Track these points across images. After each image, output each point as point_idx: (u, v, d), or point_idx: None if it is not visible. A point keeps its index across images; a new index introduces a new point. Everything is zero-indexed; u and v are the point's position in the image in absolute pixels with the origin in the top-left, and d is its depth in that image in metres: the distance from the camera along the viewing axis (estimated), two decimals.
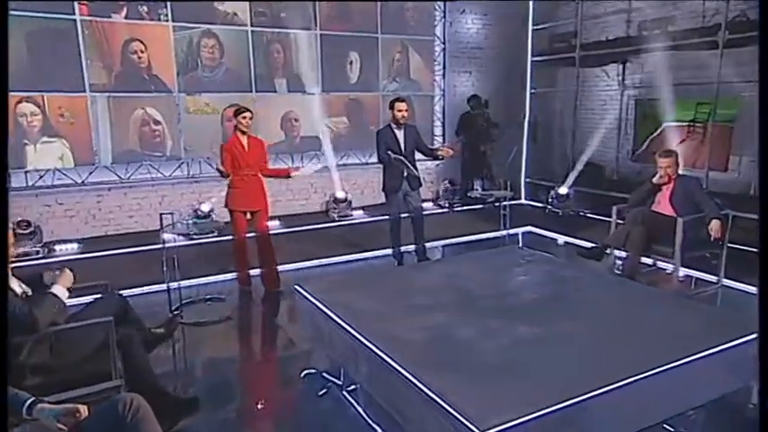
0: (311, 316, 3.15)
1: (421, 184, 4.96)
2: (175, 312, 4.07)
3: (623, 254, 4.17)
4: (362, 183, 7.65)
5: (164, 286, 4.08)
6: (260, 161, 4.39)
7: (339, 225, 6.67)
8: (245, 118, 4.27)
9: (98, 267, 5.00)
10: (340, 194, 7.13)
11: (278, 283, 4.50)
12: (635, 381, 2.13)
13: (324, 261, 5.28)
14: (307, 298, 3.21)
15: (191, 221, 4.05)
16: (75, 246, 5.81)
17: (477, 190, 5.57)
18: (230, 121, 6.63)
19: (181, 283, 4.19)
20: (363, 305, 2.93)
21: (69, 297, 2.44)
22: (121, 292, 4.23)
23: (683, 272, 4.08)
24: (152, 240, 5.31)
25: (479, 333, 2.62)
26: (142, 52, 6.14)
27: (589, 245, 4.49)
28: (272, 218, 6.44)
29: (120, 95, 6.11)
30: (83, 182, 6.08)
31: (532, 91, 8.31)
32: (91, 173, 6.10)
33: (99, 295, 2.72)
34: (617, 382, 2.11)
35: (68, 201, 6.03)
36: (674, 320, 2.74)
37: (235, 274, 4.69)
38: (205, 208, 6.27)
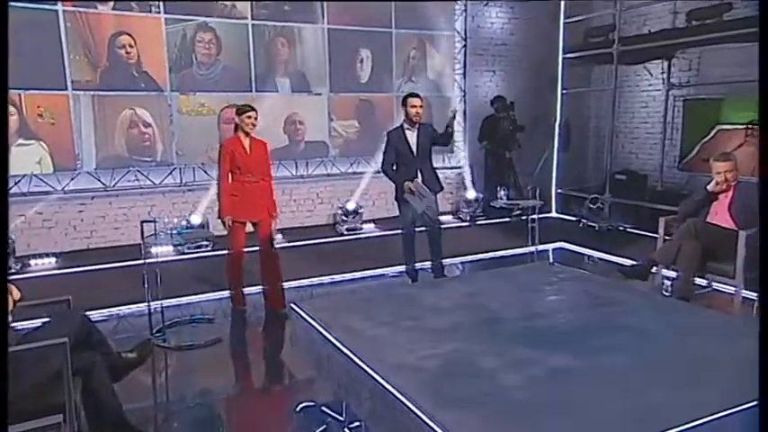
0: (309, 340, 3.00)
1: (442, 188, 4.82)
2: (158, 334, 3.93)
3: (673, 273, 3.97)
4: (374, 193, 7.58)
5: (146, 305, 3.95)
6: (262, 166, 4.27)
7: (348, 239, 6.60)
8: (249, 117, 4.16)
9: (76, 284, 4.93)
10: (350, 206, 7.05)
11: (284, 302, 4.35)
12: (701, 424, 1.86)
13: (329, 279, 5.21)
14: (304, 319, 3.03)
15: (175, 232, 3.88)
16: (52, 260, 5.74)
17: (501, 199, 5.34)
18: (228, 123, 6.62)
19: (164, 302, 4.08)
20: (368, 327, 2.75)
21: (25, 318, 2.28)
22: (100, 311, 4.33)
23: (744, 293, 3.80)
24: (139, 255, 5.24)
25: (504, 363, 2.39)
26: (131, 47, 6.11)
27: (631, 262, 4.33)
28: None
29: (106, 94, 6.08)
30: (63, 189, 6.03)
31: (564, 91, 8.16)
32: (72, 179, 6.05)
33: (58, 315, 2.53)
34: (677, 426, 1.85)
35: (47, 210, 5.96)
36: (741, 350, 2.46)
37: (227, 292, 4.56)
38: (195, 220, 6.21)
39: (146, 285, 3.85)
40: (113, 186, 6.23)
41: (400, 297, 3.38)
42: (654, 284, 4.05)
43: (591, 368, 2.30)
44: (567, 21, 8.07)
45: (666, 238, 4.15)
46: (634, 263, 4.18)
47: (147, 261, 3.92)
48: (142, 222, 3.79)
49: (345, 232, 6.84)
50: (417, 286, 4.22)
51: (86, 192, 6.14)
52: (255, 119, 4.20)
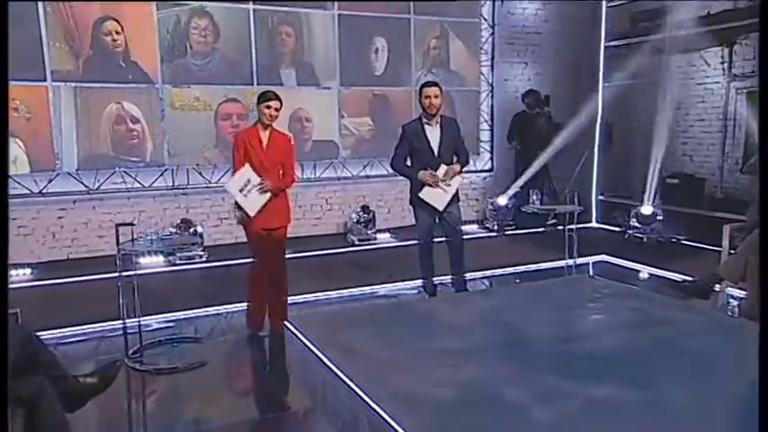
0: (303, 362, 2.84)
1: (458, 199, 4.68)
2: (134, 356, 3.80)
3: (740, 291, 3.89)
4: (390, 199, 7.49)
5: (133, 322, 3.88)
6: (283, 164, 4.10)
7: (360, 250, 6.57)
8: (269, 107, 3.99)
9: (51, 299, 4.87)
10: (362, 213, 7.00)
11: (285, 317, 4.10)
12: None
13: (337, 294, 5.12)
14: (297, 337, 2.88)
15: (155, 237, 3.74)
16: (27, 272, 5.67)
17: (533, 204, 5.13)
18: (225, 119, 6.54)
19: (149, 319, 4.03)
20: (373, 348, 2.63)
21: None
22: (74, 329, 4.24)
23: None
24: (127, 266, 5.29)
25: (534, 394, 2.20)
26: (117, 33, 6.08)
27: (687, 278, 4.16)
28: None
29: (90, 86, 6.04)
30: (41, 192, 5.98)
31: (606, 84, 8.04)
32: (51, 180, 6.00)
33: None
34: None
35: (22, 215, 5.93)
36: None
37: (222, 308, 4.45)
38: (191, 227, 6.16)
39: (121, 300, 3.74)
40: (97, 189, 6.18)
41: (412, 313, 3.22)
42: (717, 304, 3.96)
43: (642, 402, 2.10)
44: (611, 4, 7.97)
45: (731, 251, 3.96)
46: (693, 279, 4.03)
47: (135, 273, 3.83)
48: (117, 226, 3.66)
49: (357, 242, 6.78)
50: (434, 301, 4.05)
51: (67, 195, 6.09)
52: (277, 109, 4.04)
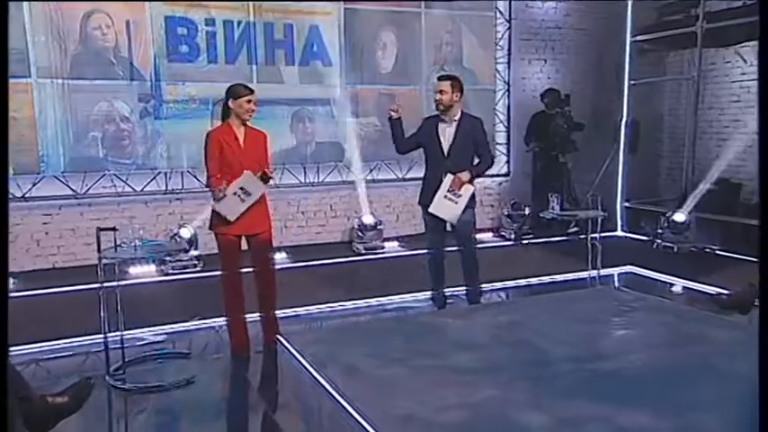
0: (297, 381, 2.77)
1: (474, 203, 4.56)
2: (116, 373, 3.71)
3: None
4: (398, 205, 7.42)
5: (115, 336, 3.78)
6: (260, 164, 4.00)
7: (366, 260, 6.54)
8: (249, 102, 3.91)
9: (31, 312, 4.76)
10: (368, 220, 6.90)
11: (277, 331, 4.05)
12: None
13: (340, 307, 5.07)
14: (291, 354, 2.81)
15: (139, 244, 3.64)
16: (9, 282, 5.54)
17: (553, 209, 5.02)
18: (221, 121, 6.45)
19: (128, 332, 3.91)
20: (373, 366, 2.59)
21: None
22: (52, 343, 4.15)
23: None
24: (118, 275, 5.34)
25: (554, 420, 2.10)
26: (108, 27, 6.03)
27: (722, 291, 4.13)
28: (276, 249, 6.35)
29: (78, 83, 5.99)
30: (24, 196, 5.92)
31: (632, 82, 7.91)
32: (35, 184, 5.94)
33: None
34: None
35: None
36: None
37: (213, 322, 4.35)
38: (185, 234, 6.05)
39: (102, 313, 3.64)
40: (85, 193, 6.12)
41: (419, 328, 3.13)
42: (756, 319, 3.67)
43: (676, 430, 1.95)
44: None
45: None
46: (729, 292, 3.95)
47: (117, 283, 3.73)
48: (99, 231, 3.56)
49: (363, 251, 6.73)
50: (443, 314, 3.94)
51: (52, 199, 6.03)
52: (256, 103, 3.96)
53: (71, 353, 4.19)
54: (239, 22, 6.51)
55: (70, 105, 5.95)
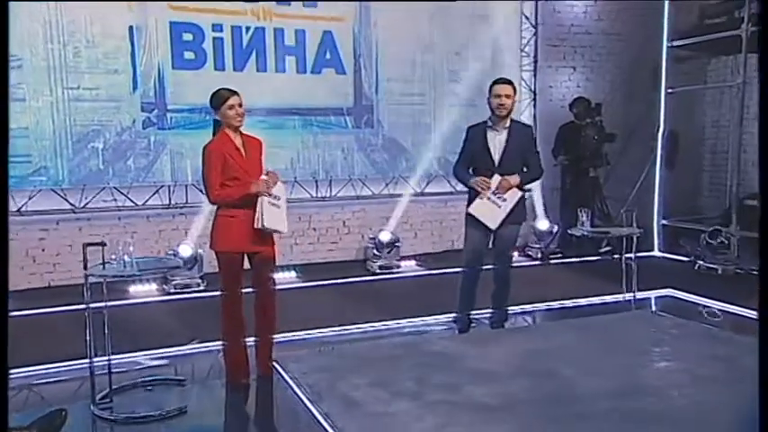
0: (292, 414, 2.59)
1: (525, 218, 4.48)
2: (102, 401, 3.53)
3: None
4: (416, 222, 7.34)
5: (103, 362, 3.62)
6: (261, 171, 3.85)
7: (381, 279, 6.48)
8: (232, 108, 3.71)
9: (20, 333, 4.52)
10: (384, 237, 6.80)
11: (271, 356, 3.90)
12: None
13: (348, 329, 4.93)
14: (287, 383, 2.62)
15: (132, 260, 3.47)
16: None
17: (582, 225, 4.82)
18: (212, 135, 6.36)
19: (118, 357, 3.76)
20: (377, 399, 2.43)
21: None
22: (37, 368, 3.99)
23: None
24: (113, 295, 5.24)
25: None
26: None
27: None
28: (285, 267, 6.46)
29: (77, 91, 5.96)
30: (19, 210, 5.87)
31: (669, 91, 7.75)
32: (31, 198, 5.91)
33: None
34: None
35: None
36: None
37: (217, 348, 4.13)
38: (185, 252, 5.94)
39: (88, 336, 3.47)
40: (84, 207, 6.08)
41: (432, 355, 2.92)
42: None
43: None
44: None
45: None
46: None
47: (105, 303, 3.58)
48: (85, 246, 3.41)
49: (378, 270, 6.68)
50: (461, 340, 3.70)
51: (49, 214, 6.00)
52: (240, 105, 3.74)
53: (57, 379, 4.03)
54: (248, 28, 6.45)
55: (69, 115, 5.91)
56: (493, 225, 4.18)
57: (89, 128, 5.98)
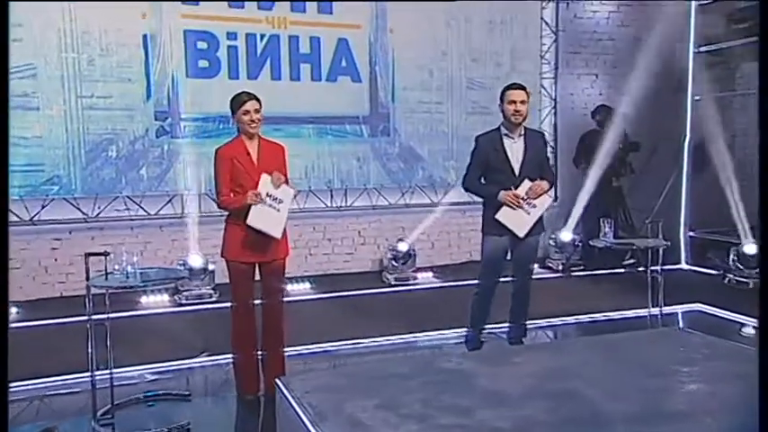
0: None
1: (544, 229, 4.36)
2: (103, 417, 3.44)
3: None
4: (434, 232, 7.24)
5: (105, 375, 3.54)
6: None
7: (397, 291, 6.45)
8: (247, 113, 3.64)
9: (29, 344, 4.63)
10: (401, 247, 6.78)
11: (282, 372, 3.82)
12: None
13: (359, 343, 4.86)
14: (288, 402, 2.48)
15: (135, 271, 3.40)
16: (13, 311, 5.50)
17: (605, 236, 4.70)
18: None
19: (123, 370, 3.79)
20: (383, 422, 2.20)
21: None
22: (44, 380, 3.92)
23: None
24: (124, 306, 5.24)
25: None
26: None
27: None
28: (300, 278, 6.47)
29: (91, 100, 5.97)
30: (32, 219, 5.89)
31: (696, 98, 7.62)
32: (44, 207, 5.91)
33: None
34: None
35: (11, 246, 5.70)
36: None
37: (227, 360, 4.06)
38: (195, 262, 5.89)
39: (90, 349, 3.40)
40: (96, 217, 6.07)
41: (445, 373, 2.76)
42: None
43: None
44: (702, 2, 7.57)
45: None
46: None
47: (107, 315, 3.47)
48: (87, 256, 3.35)
49: (394, 282, 6.62)
50: (475, 357, 3.54)
51: (62, 223, 5.99)
52: (258, 110, 3.67)
53: (59, 392, 3.95)
54: (263, 36, 6.42)
55: (82, 123, 5.91)
56: (521, 233, 4.05)
57: (102, 137, 5.98)
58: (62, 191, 5.91)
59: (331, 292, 6.14)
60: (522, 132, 4.10)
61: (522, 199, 3.99)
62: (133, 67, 6.01)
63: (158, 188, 6.21)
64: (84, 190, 5.98)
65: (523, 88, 4.10)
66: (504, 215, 4.02)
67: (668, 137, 7.68)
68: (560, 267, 7.16)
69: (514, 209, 3.99)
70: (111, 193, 6.07)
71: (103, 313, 3.45)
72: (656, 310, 4.83)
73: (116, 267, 3.44)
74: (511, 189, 4.01)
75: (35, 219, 5.86)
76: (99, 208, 6.05)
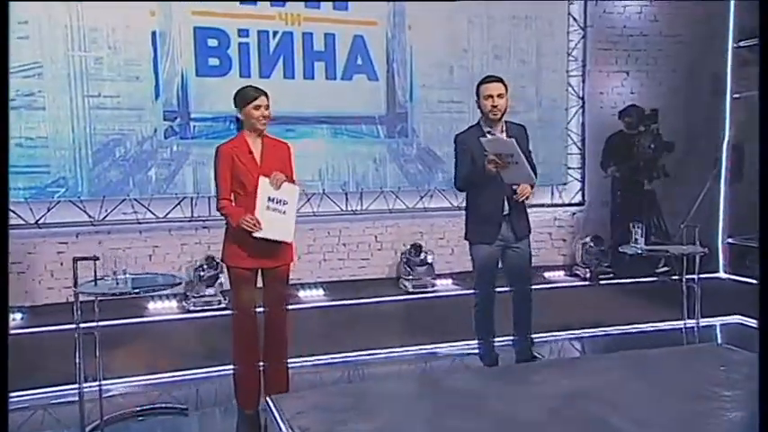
0: None
1: (530, 230, 4.14)
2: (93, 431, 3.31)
3: None
4: (453, 237, 6.93)
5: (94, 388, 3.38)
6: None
7: (415, 299, 6.34)
8: (258, 109, 3.50)
9: (31, 351, 4.59)
10: (419, 253, 6.63)
11: (286, 389, 3.66)
12: None
13: (380, 352, 4.73)
14: (278, 425, 2.28)
15: (126, 277, 3.24)
16: (17, 316, 5.47)
17: (636, 243, 4.48)
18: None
19: (116, 382, 3.70)
20: None
21: None
22: (45, 390, 3.83)
23: None
24: (133, 311, 5.32)
25: None
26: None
27: None
28: (313, 285, 6.36)
29: (98, 99, 5.86)
30: (37, 222, 5.79)
31: (736, 96, 7.34)
32: (50, 209, 5.81)
33: None
34: None
35: (16, 250, 5.69)
36: None
37: (224, 373, 3.90)
38: (205, 267, 5.86)
39: (78, 359, 3.24)
40: (103, 220, 5.96)
41: (453, 393, 2.53)
42: None
43: None
44: None
45: None
46: None
47: (97, 323, 3.35)
48: (76, 261, 3.19)
49: (412, 289, 6.49)
50: (487, 375, 3.30)
51: (68, 226, 5.88)
52: (267, 107, 3.53)
53: (52, 403, 3.83)
54: (275, 33, 6.25)
55: (89, 123, 5.80)
56: (530, 180, 3.79)
57: (109, 137, 5.85)
58: (68, 193, 5.79)
59: (345, 299, 6.05)
60: (504, 127, 3.92)
61: (498, 155, 3.65)
62: (141, 65, 5.87)
63: (167, 190, 6.08)
64: (91, 192, 5.86)
65: (500, 80, 3.91)
66: (506, 177, 3.76)
67: (704, 137, 7.42)
68: (588, 275, 7.02)
69: (505, 167, 3.69)
70: (118, 196, 5.94)
71: (93, 321, 3.30)
72: (691, 323, 4.62)
73: (107, 274, 3.30)
74: (500, 194, 3.84)
75: (40, 222, 5.76)
76: (106, 211, 5.92)
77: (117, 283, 3.24)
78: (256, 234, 3.35)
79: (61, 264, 5.90)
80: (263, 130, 3.53)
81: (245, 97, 3.50)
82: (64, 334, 4.93)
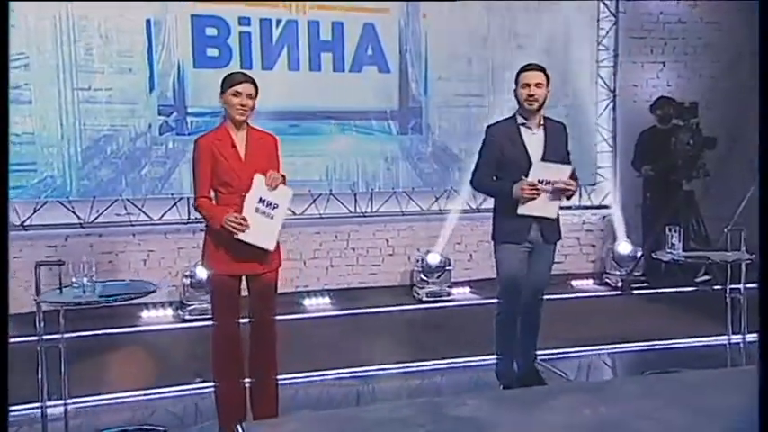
0: None
1: (560, 236, 4.02)
2: None
3: None
4: (471, 242, 6.90)
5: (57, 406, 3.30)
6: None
7: (429, 309, 6.25)
8: (237, 95, 3.31)
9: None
10: (433, 259, 6.52)
11: (274, 408, 3.53)
12: None
13: (389, 367, 4.62)
14: None
15: (93, 284, 3.07)
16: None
17: (673, 248, 4.27)
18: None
19: (70, 400, 3.38)
20: None
21: None
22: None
23: None
24: (123, 321, 5.31)
25: None
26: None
27: None
28: (319, 292, 6.30)
29: (87, 93, 5.79)
30: (23, 224, 5.70)
31: None
32: (36, 211, 5.73)
33: None
34: None
35: None
36: None
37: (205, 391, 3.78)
38: (203, 273, 5.52)
39: (40, 374, 3.10)
40: (94, 222, 5.87)
41: (457, 422, 2.28)
42: None
43: None
44: None
45: None
46: None
47: (62, 335, 3.27)
48: (38, 266, 3.02)
49: (426, 298, 6.41)
50: (496, 400, 3.01)
51: (57, 228, 5.80)
52: (251, 96, 3.33)
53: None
54: (279, 21, 6.14)
55: (78, 118, 5.73)
56: (552, 214, 3.79)
57: (100, 133, 5.78)
58: (56, 193, 5.73)
59: (354, 308, 6.00)
60: (542, 122, 3.77)
61: (539, 182, 3.64)
62: (135, 56, 5.78)
63: (162, 190, 6.00)
64: (81, 192, 5.79)
65: (542, 69, 3.78)
66: (527, 208, 3.72)
67: (749, 132, 6.96)
68: (619, 284, 6.87)
69: (535, 198, 3.68)
70: (109, 196, 5.86)
71: (56, 333, 3.16)
72: (736, 338, 4.38)
73: (74, 281, 3.14)
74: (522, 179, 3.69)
75: (26, 224, 5.67)
76: (97, 212, 5.83)
77: (84, 291, 3.06)
78: (239, 236, 3.16)
79: (50, 269, 5.81)
80: (243, 121, 3.35)
81: (227, 81, 3.34)
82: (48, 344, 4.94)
